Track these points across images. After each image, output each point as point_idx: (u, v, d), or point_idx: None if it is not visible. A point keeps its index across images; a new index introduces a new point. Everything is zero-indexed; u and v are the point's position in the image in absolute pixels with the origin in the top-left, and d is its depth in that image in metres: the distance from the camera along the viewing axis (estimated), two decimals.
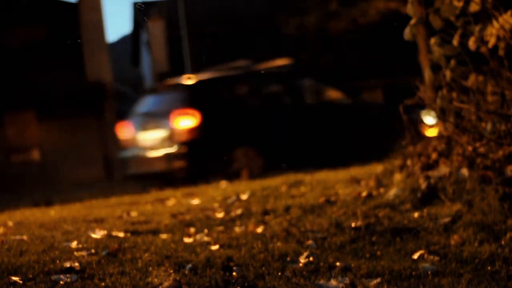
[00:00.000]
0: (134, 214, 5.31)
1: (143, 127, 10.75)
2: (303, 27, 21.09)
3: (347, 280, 2.75)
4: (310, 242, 3.59)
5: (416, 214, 4.07)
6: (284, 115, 10.79)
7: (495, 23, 4.03)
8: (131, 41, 28.41)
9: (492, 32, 4.07)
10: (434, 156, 4.91)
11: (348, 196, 5.03)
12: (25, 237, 4.05)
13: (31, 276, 2.97)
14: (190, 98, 10.61)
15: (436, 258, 3.09)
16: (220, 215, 4.83)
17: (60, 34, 19.81)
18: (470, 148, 4.43)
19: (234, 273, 2.95)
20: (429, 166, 4.88)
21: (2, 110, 19.04)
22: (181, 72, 15.22)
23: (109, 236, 4.05)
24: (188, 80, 11.11)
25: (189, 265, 3.08)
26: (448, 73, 4.47)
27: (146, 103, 11.48)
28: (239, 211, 4.85)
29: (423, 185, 4.53)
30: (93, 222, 4.84)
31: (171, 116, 10.19)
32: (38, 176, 18.28)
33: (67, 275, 2.95)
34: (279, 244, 3.56)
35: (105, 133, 19.45)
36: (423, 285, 2.67)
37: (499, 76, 4.20)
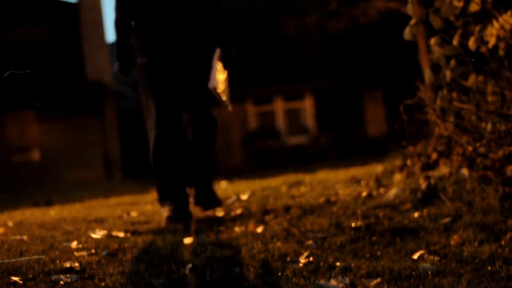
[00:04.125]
0: (134, 214, 5.31)
1: None
2: (303, 27, 21.09)
3: (347, 280, 2.75)
4: (310, 242, 3.59)
5: (416, 214, 4.07)
6: None
7: (495, 23, 4.03)
8: None
9: (492, 32, 4.07)
10: (434, 156, 4.91)
11: (348, 196, 5.03)
12: (25, 237, 4.05)
13: (31, 276, 2.96)
14: None
15: (436, 258, 3.09)
16: (220, 215, 4.83)
17: (60, 34, 19.81)
18: (470, 148, 4.43)
19: (234, 273, 2.95)
20: (429, 166, 4.88)
21: (2, 110, 19.06)
22: None
23: (109, 236, 4.05)
24: None
25: (189, 265, 3.07)
26: (448, 73, 4.47)
27: None
28: (239, 211, 4.85)
29: (423, 185, 4.53)
30: (93, 222, 4.84)
31: None
32: (38, 176, 18.29)
33: (67, 275, 2.95)
34: (279, 244, 3.56)
35: (105, 133, 19.45)
36: (423, 285, 2.66)
37: (499, 76, 4.20)
